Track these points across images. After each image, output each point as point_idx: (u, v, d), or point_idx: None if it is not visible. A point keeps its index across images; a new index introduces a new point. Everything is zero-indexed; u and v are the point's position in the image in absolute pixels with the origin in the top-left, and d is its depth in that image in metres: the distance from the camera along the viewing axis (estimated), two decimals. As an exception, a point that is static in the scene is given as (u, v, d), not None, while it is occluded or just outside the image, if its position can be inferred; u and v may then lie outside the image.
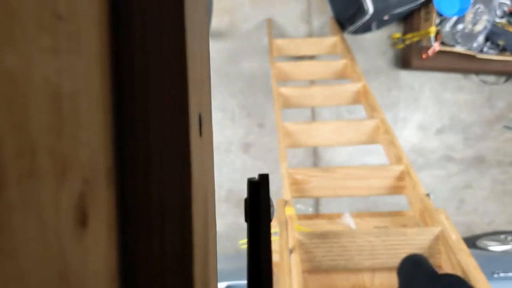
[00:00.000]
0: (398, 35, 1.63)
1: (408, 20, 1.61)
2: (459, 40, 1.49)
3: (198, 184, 0.21)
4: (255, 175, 0.28)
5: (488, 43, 1.53)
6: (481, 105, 1.72)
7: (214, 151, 0.29)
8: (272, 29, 1.56)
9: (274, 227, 0.81)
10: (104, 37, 0.17)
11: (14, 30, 0.11)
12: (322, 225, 0.94)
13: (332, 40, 1.45)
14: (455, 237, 0.78)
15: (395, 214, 0.97)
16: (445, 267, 0.68)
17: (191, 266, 0.19)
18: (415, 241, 0.70)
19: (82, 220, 0.15)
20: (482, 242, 1.63)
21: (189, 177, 0.19)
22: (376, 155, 1.58)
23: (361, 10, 1.46)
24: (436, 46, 1.48)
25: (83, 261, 0.15)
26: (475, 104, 1.72)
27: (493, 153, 1.75)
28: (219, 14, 1.61)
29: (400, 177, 0.88)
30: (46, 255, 0.13)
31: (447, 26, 1.48)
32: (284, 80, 1.30)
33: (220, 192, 1.67)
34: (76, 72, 0.15)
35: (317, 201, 1.68)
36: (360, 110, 1.19)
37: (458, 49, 1.51)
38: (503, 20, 1.51)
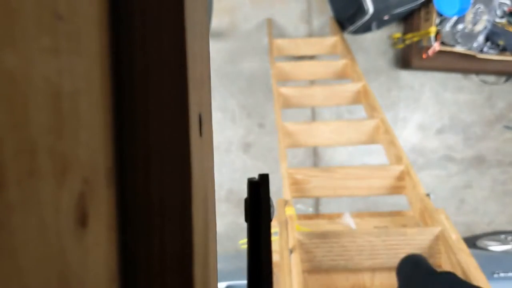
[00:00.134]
0: (398, 35, 1.63)
1: (408, 20, 1.61)
2: (459, 40, 1.49)
3: (198, 184, 0.21)
4: (255, 175, 0.28)
5: (488, 43, 1.53)
6: (481, 105, 1.72)
7: (214, 151, 0.29)
8: (272, 29, 1.56)
9: (274, 227, 0.81)
10: (104, 37, 0.17)
11: (14, 30, 0.11)
12: (322, 225, 0.94)
13: (332, 40, 1.45)
14: (455, 237, 0.78)
15: (395, 214, 0.97)
16: (445, 267, 0.68)
17: (191, 266, 0.19)
18: (415, 241, 0.70)
19: (82, 220, 0.15)
20: (482, 242, 1.63)
21: (189, 177, 0.19)
22: (376, 155, 1.58)
23: (361, 10, 1.46)
24: (436, 46, 1.48)
25: (83, 261, 0.15)
26: (475, 104, 1.72)
27: (493, 153, 1.75)
28: (219, 14, 1.61)
29: (400, 177, 0.88)
30: (46, 255, 0.13)
31: (447, 26, 1.48)
32: (284, 80, 1.30)
33: (220, 192, 1.67)
34: (76, 72, 0.15)
35: (317, 201, 1.68)
36: (360, 110, 1.19)
37: (458, 49, 1.51)
38: (503, 20, 1.51)
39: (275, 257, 0.74)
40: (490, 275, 1.13)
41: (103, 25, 0.17)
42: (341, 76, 1.30)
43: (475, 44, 1.50)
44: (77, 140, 0.15)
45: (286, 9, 1.64)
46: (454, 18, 1.46)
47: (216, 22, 1.61)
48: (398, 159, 0.90)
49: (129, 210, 0.19)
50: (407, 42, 1.58)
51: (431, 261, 0.69)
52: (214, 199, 0.29)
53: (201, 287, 0.21)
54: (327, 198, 1.66)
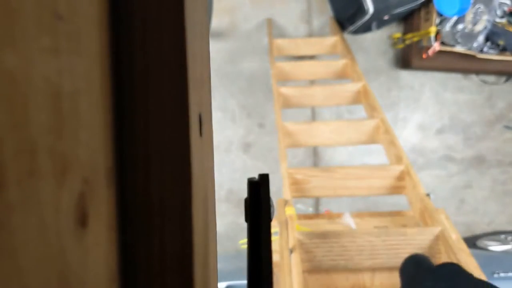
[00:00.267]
0: (398, 35, 1.63)
1: (408, 20, 1.61)
2: (459, 40, 1.49)
3: (198, 184, 0.21)
4: (255, 175, 0.28)
5: (488, 43, 1.53)
6: (481, 105, 1.72)
7: (214, 151, 0.29)
8: (272, 29, 1.56)
9: (274, 227, 0.81)
10: (104, 37, 0.17)
11: (14, 30, 0.11)
12: (322, 225, 0.94)
13: (332, 40, 1.45)
14: (455, 237, 0.78)
15: (395, 214, 0.97)
16: None
17: (191, 266, 0.19)
18: (415, 241, 0.70)
19: (82, 220, 0.15)
20: (482, 242, 1.63)
21: (189, 177, 0.19)
22: (376, 155, 1.58)
23: (361, 10, 1.46)
24: (436, 46, 1.48)
25: (83, 261, 0.15)
26: (475, 104, 1.72)
27: (493, 153, 1.75)
28: (219, 14, 1.61)
29: (400, 177, 0.88)
30: (46, 255, 0.13)
31: (447, 26, 1.48)
32: (284, 80, 1.30)
33: (220, 192, 1.67)
34: (76, 72, 0.15)
35: (317, 201, 1.68)
36: (360, 110, 1.19)
37: (458, 49, 1.51)
38: (503, 20, 1.51)
39: (275, 257, 0.74)
40: (490, 275, 1.13)
41: (103, 25, 0.17)
42: (341, 76, 1.30)
43: (475, 44, 1.50)
44: (77, 140, 0.15)
45: (286, 9, 1.64)
46: (454, 18, 1.46)
47: (216, 22, 1.61)
48: (398, 159, 0.90)
49: (129, 210, 0.19)
50: (407, 42, 1.58)
51: (432, 261, 0.69)
52: (214, 199, 0.29)
53: (201, 287, 0.21)
54: (327, 198, 1.66)
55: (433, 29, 1.46)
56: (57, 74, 0.13)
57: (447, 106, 1.72)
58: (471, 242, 1.57)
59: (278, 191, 0.89)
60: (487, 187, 1.76)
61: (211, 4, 1.50)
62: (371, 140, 1.03)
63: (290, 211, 0.78)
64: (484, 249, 1.58)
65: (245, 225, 0.26)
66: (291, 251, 0.69)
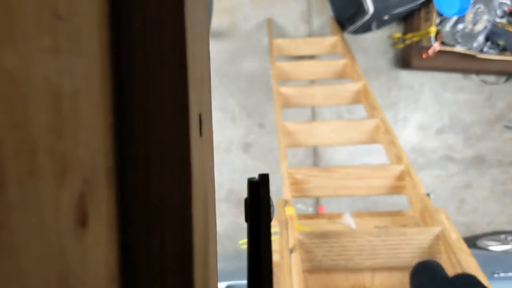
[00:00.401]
0: (398, 35, 1.63)
1: (408, 20, 1.61)
2: (459, 40, 1.49)
3: (198, 184, 0.21)
4: (255, 175, 0.28)
5: (488, 43, 1.53)
6: (481, 105, 1.72)
7: (214, 151, 0.29)
8: (272, 29, 1.56)
9: (274, 227, 0.81)
10: (104, 37, 0.17)
11: (14, 30, 0.11)
12: (322, 225, 0.94)
13: (332, 39, 1.45)
14: (455, 237, 0.78)
15: (395, 213, 0.97)
16: (446, 266, 0.68)
17: (191, 266, 0.19)
18: (415, 241, 0.70)
19: (82, 220, 0.15)
20: (482, 242, 1.63)
21: (189, 177, 0.19)
22: (377, 154, 1.58)
23: (361, 10, 1.46)
24: (436, 46, 1.48)
25: (83, 261, 0.15)
26: (475, 104, 1.72)
27: (493, 153, 1.75)
28: (219, 14, 1.61)
29: (400, 177, 0.88)
30: (46, 255, 0.13)
31: (447, 26, 1.48)
32: (284, 79, 1.30)
33: (220, 192, 1.67)
34: (76, 72, 0.15)
35: (317, 201, 1.68)
36: (360, 110, 1.19)
37: (458, 49, 1.51)
38: (503, 20, 1.51)
39: (275, 257, 0.74)
40: (490, 275, 1.13)
41: (103, 25, 0.17)
42: (341, 76, 1.30)
43: (475, 44, 1.50)
44: (77, 140, 0.15)
45: (286, 9, 1.64)
46: (454, 18, 1.46)
47: (216, 22, 1.61)
48: (398, 159, 0.90)
49: (129, 210, 0.19)
50: (407, 42, 1.58)
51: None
52: (214, 199, 0.29)
53: (201, 287, 0.21)
54: (327, 198, 1.66)
55: (433, 29, 1.46)
56: (57, 74, 0.13)
57: (447, 106, 1.72)
58: (471, 242, 1.57)
59: (278, 191, 0.89)
60: (487, 187, 1.76)
61: (211, 4, 1.50)
62: (371, 140, 1.03)
63: (290, 211, 0.78)
64: (484, 249, 1.58)
65: (245, 225, 0.26)
66: (291, 251, 0.69)
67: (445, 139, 1.73)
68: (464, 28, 1.48)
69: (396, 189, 0.88)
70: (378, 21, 1.53)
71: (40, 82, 0.12)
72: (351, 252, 0.70)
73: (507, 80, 1.70)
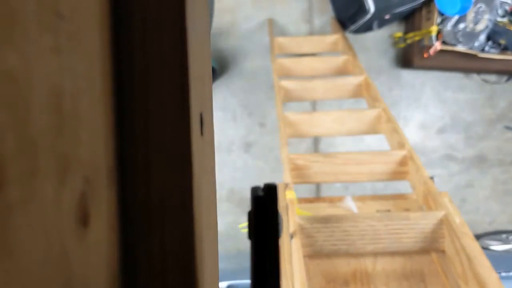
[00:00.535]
0: (399, 34, 1.63)
1: (410, 19, 1.61)
2: (460, 39, 1.49)
3: (199, 184, 0.21)
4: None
5: (490, 42, 1.53)
6: (482, 104, 1.72)
7: (215, 151, 0.29)
8: (273, 28, 1.56)
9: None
10: (105, 37, 0.17)
11: (15, 29, 0.11)
12: (323, 209, 0.92)
13: (333, 37, 1.44)
14: (459, 221, 0.76)
15: (397, 197, 0.95)
16: (449, 251, 0.67)
17: (192, 266, 0.19)
18: (418, 226, 0.69)
19: (84, 219, 0.15)
20: (483, 242, 1.63)
21: (190, 176, 0.19)
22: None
23: (362, 9, 1.46)
24: (437, 45, 1.48)
25: (84, 260, 0.15)
26: (476, 103, 1.72)
27: (495, 153, 1.74)
28: (220, 13, 1.61)
29: (403, 162, 0.86)
30: (48, 254, 0.13)
31: (449, 25, 1.48)
32: (286, 75, 1.30)
33: (221, 191, 1.67)
34: (77, 71, 0.15)
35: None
36: (361, 104, 1.18)
37: (460, 48, 1.50)
38: (505, 19, 1.51)
39: None
40: (491, 275, 1.13)
41: (103, 25, 0.17)
42: (342, 72, 1.28)
43: (476, 43, 1.50)
44: (78, 139, 0.15)
45: (287, 8, 1.64)
46: (456, 17, 1.46)
47: (217, 21, 1.61)
48: (401, 146, 0.89)
49: (129, 209, 0.19)
50: (409, 41, 1.58)
51: (435, 245, 0.67)
52: (215, 198, 0.29)
53: (202, 287, 0.21)
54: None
55: (434, 28, 1.46)
56: (58, 74, 0.13)
57: (448, 105, 1.71)
58: (473, 241, 1.57)
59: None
60: (488, 186, 1.76)
61: (212, 3, 1.50)
62: (373, 130, 1.01)
63: (290, 195, 0.76)
64: (486, 248, 1.58)
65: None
66: (291, 236, 0.67)
67: (446, 138, 1.73)
68: (465, 27, 1.47)
69: (398, 174, 0.86)
70: (379, 20, 1.53)
71: (41, 81, 0.12)
72: (352, 237, 0.68)
73: (508, 80, 1.70)
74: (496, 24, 1.49)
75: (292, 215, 0.70)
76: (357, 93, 1.15)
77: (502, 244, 1.60)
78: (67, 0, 0.14)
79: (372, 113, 1.01)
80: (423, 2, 1.48)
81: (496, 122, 1.73)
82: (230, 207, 1.68)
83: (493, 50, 1.54)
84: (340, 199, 0.93)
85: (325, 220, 0.69)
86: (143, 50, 0.18)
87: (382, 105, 1.01)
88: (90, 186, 0.15)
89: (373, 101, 1.06)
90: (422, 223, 0.69)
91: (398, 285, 0.66)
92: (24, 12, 0.12)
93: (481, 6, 1.45)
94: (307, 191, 1.63)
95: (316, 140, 1.70)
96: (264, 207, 0.23)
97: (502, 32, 1.50)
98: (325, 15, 1.64)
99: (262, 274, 0.21)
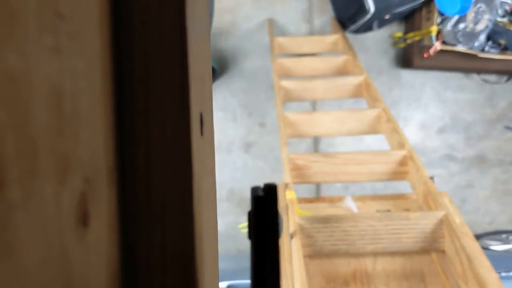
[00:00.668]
0: (399, 34, 1.63)
1: (410, 19, 1.61)
2: (460, 39, 1.49)
3: (199, 184, 0.21)
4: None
5: (490, 42, 1.53)
6: (482, 104, 1.72)
7: (215, 151, 0.29)
8: (273, 28, 1.56)
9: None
10: (105, 37, 0.17)
11: (15, 29, 0.11)
12: (323, 209, 0.92)
13: (333, 37, 1.44)
14: (459, 221, 0.76)
15: (397, 197, 0.95)
16: (449, 251, 0.67)
17: (192, 266, 0.19)
18: (418, 226, 0.69)
19: (84, 219, 0.15)
20: (483, 242, 1.63)
21: (190, 176, 0.19)
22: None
23: (362, 10, 1.46)
24: (437, 45, 1.48)
25: (84, 260, 0.15)
26: (476, 103, 1.72)
27: (495, 153, 1.74)
28: (220, 13, 1.61)
29: (403, 162, 0.86)
30: (48, 254, 0.13)
31: (449, 25, 1.48)
32: (286, 75, 1.30)
33: (221, 191, 1.67)
34: (77, 71, 0.15)
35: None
36: (361, 104, 1.19)
37: (460, 48, 1.50)
38: (505, 19, 1.51)
39: None
40: (491, 275, 1.13)
41: (103, 25, 0.17)
42: (342, 72, 1.29)
43: (476, 43, 1.50)
44: (78, 139, 0.15)
45: (287, 8, 1.64)
46: (456, 17, 1.46)
47: (217, 21, 1.61)
48: (401, 146, 0.89)
49: (129, 209, 0.19)
50: (409, 41, 1.58)
51: (435, 245, 0.67)
52: (215, 198, 0.29)
53: (202, 287, 0.21)
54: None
55: (434, 28, 1.46)
56: (58, 74, 0.13)
57: (448, 105, 1.71)
58: (473, 241, 1.57)
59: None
60: (488, 186, 1.76)
61: (212, 3, 1.50)
62: (373, 130, 1.01)
63: (290, 195, 0.76)
64: (486, 248, 1.58)
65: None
66: (291, 236, 0.68)
67: (446, 138, 1.73)
68: (465, 27, 1.47)
69: (398, 174, 0.86)
70: (379, 20, 1.53)
71: (41, 81, 0.12)
72: (353, 237, 0.68)
73: (508, 80, 1.70)
74: (496, 24, 1.49)
75: (292, 215, 0.70)
76: (357, 93, 1.15)
77: (502, 244, 1.60)
78: (67, 0, 0.14)
79: (372, 113, 1.01)
80: (423, 2, 1.48)
81: (496, 122, 1.73)
82: (230, 207, 1.68)
83: (493, 50, 1.54)
84: (340, 199, 0.93)
85: (325, 220, 0.69)
86: (143, 50, 0.18)
87: (382, 105, 1.01)
88: (90, 186, 0.15)
89: (373, 101, 1.06)
90: (422, 223, 0.69)
91: (398, 285, 0.66)
92: (24, 12, 0.12)
93: (481, 6, 1.45)
94: (307, 191, 1.63)
95: (316, 140, 1.70)
96: (264, 207, 0.23)
97: (502, 32, 1.50)
98: (325, 15, 1.64)
99: (262, 274, 0.21)
